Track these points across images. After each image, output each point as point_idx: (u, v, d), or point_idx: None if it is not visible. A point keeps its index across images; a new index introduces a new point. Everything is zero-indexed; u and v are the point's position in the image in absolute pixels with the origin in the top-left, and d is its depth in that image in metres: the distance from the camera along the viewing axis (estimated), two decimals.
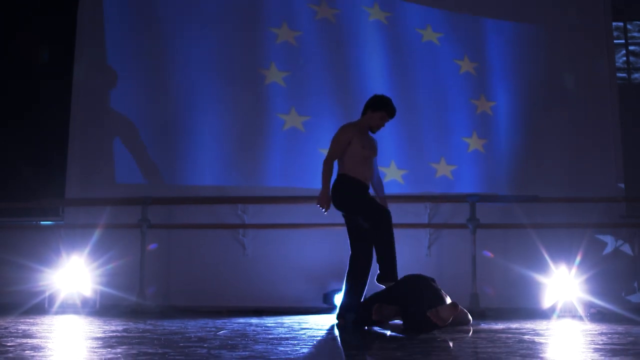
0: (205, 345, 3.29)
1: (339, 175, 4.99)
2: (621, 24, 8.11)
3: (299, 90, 7.00)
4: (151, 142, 6.91)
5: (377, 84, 6.94)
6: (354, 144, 4.92)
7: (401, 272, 5.54)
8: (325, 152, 6.82)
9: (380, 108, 5.00)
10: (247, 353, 3.07)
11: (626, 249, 6.92)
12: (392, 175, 6.96)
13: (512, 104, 7.24)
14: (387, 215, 4.81)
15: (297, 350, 3.26)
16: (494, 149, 7.17)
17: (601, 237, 6.82)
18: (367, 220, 4.85)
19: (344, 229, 6.62)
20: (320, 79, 7.02)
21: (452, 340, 3.63)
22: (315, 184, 6.77)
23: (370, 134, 5.08)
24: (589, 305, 5.73)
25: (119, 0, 7.06)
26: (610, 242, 6.89)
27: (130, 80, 6.94)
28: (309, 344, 3.58)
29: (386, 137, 6.99)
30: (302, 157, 6.85)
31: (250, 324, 4.70)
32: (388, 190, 6.86)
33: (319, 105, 6.98)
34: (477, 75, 7.23)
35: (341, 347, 3.35)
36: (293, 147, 6.91)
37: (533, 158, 7.15)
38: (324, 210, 4.95)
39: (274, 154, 6.90)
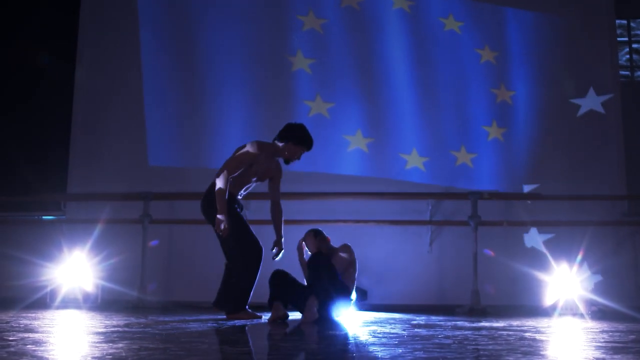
0: (206, 340, 3.29)
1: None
2: (624, 21, 8.08)
3: (324, 77, 7.10)
4: (179, 127, 7.02)
5: (400, 71, 7.06)
6: (253, 171, 4.79)
7: (403, 270, 5.49)
8: (349, 138, 6.95)
9: (302, 143, 4.90)
10: (248, 348, 3.07)
11: (628, 247, 6.91)
12: (413, 162, 6.99)
13: (531, 94, 7.25)
14: (258, 251, 4.76)
15: (298, 345, 3.26)
16: (512, 138, 7.18)
17: (603, 235, 6.82)
18: (236, 245, 4.74)
19: (346, 225, 6.65)
20: (345, 66, 7.11)
21: (452, 337, 3.63)
22: (339, 170, 6.84)
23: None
24: (590, 303, 5.73)
25: None
26: (612, 240, 6.88)
27: (161, 65, 7.04)
28: (310, 339, 3.58)
29: (409, 124, 7.05)
30: (327, 143, 6.93)
31: (252, 320, 4.69)
32: (410, 178, 6.93)
33: (344, 92, 7.10)
34: (497, 65, 7.26)
35: (342, 343, 3.35)
36: (318, 133, 6.99)
37: (538, 154, 7.15)
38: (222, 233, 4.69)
39: None
